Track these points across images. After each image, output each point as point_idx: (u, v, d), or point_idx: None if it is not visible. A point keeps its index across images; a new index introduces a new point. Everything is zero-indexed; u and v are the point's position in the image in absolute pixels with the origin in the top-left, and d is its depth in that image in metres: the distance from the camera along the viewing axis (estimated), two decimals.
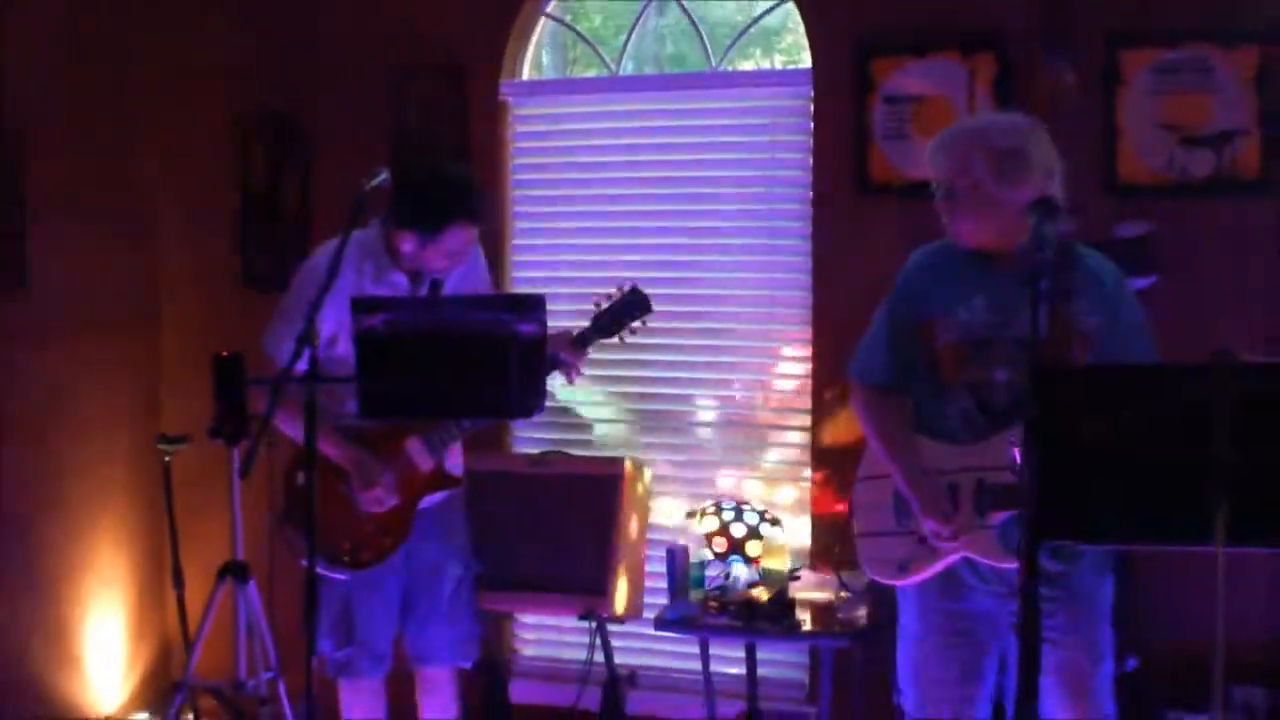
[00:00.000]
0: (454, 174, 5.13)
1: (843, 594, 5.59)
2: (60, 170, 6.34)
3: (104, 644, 6.63)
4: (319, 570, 4.93)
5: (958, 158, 4.27)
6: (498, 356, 4.32)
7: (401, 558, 5.20)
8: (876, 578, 4.51)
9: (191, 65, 6.75)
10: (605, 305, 5.18)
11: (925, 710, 4.38)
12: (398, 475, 5.10)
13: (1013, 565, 4.11)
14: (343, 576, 5.13)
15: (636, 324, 5.18)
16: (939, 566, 4.30)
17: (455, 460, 5.28)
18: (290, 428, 4.82)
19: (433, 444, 5.13)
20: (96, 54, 6.59)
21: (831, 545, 5.80)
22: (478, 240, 5.06)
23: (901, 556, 4.36)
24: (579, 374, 5.21)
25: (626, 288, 5.19)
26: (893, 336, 4.44)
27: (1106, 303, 4.24)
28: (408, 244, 4.95)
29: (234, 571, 5.37)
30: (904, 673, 4.45)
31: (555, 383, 5.29)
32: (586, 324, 5.18)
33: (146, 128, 6.78)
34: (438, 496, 5.22)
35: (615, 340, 5.21)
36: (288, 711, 5.47)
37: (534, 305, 4.36)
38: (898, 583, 4.41)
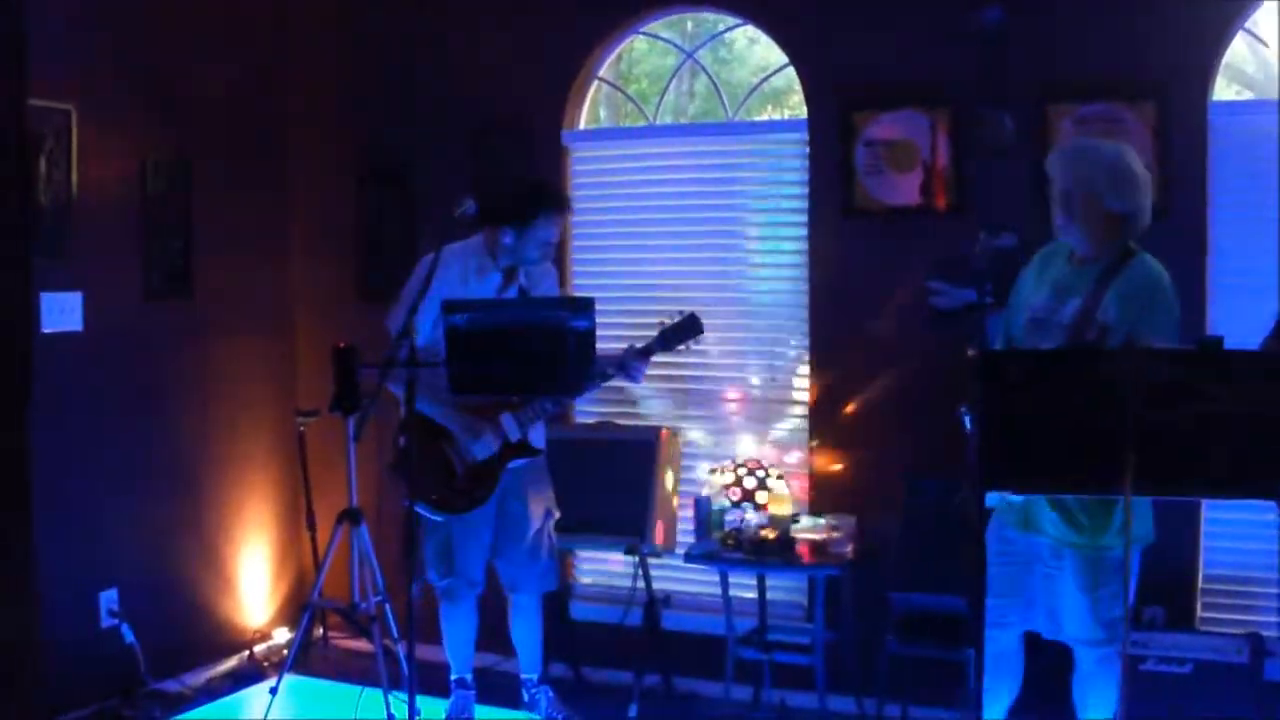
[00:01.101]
0: (538, 179, 5.37)
1: (834, 533, 5.57)
2: (219, 202, 6.37)
3: (254, 573, 6.70)
4: (424, 513, 5.01)
5: (1081, 172, 4.20)
6: (555, 346, 4.36)
7: (493, 507, 5.22)
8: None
9: (323, 127, 6.75)
10: (668, 325, 5.21)
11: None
12: (493, 434, 5.15)
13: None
14: (441, 519, 5.18)
15: (691, 342, 5.22)
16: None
17: (539, 435, 5.29)
18: (406, 394, 4.82)
19: (521, 420, 5.17)
20: (257, 115, 6.64)
21: (826, 494, 5.80)
22: (560, 232, 5.11)
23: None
24: (643, 377, 5.23)
25: (686, 313, 5.21)
26: (1008, 315, 4.43)
27: (1134, 301, 4.15)
28: (507, 237, 5.01)
29: (349, 517, 5.36)
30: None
31: (625, 383, 5.31)
32: (651, 337, 5.22)
33: (290, 176, 6.79)
34: (522, 461, 5.23)
35: (673, 354, 5.27)
36: (393, 626, 5.45)
37: (585, 305, 4.45)
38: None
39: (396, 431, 5.17)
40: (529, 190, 5.16)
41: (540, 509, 5.34)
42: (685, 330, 5.20)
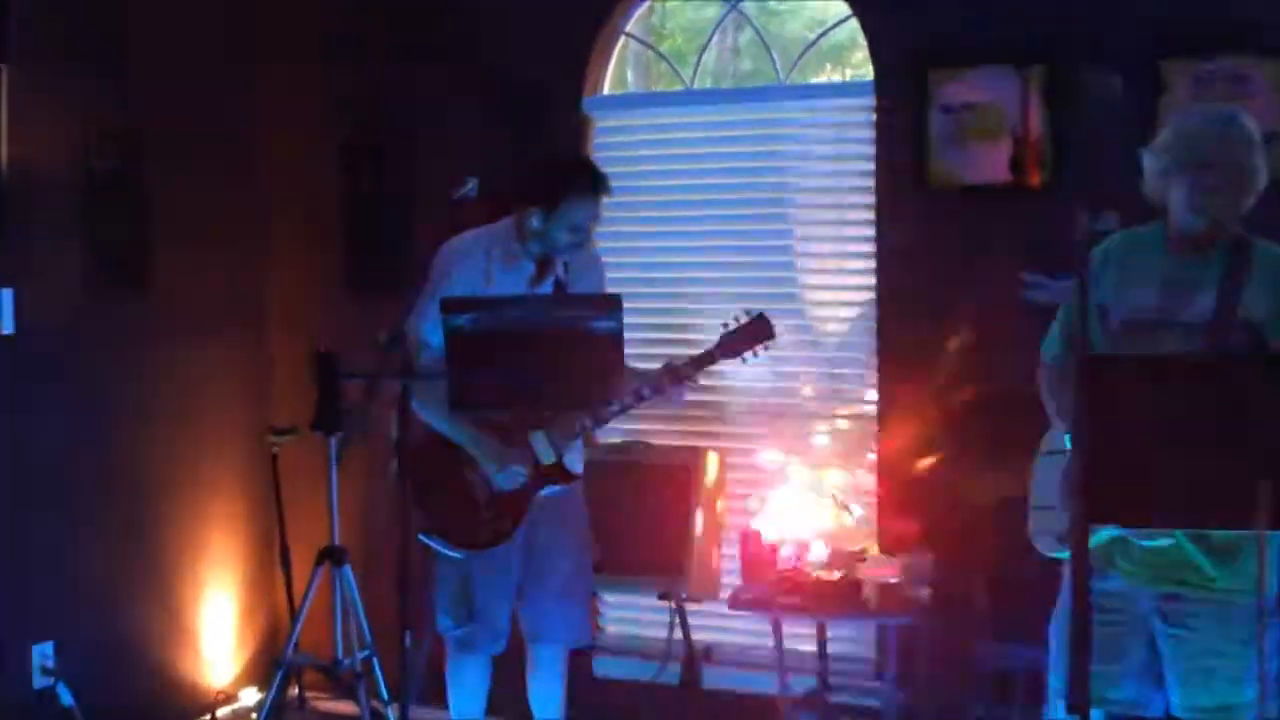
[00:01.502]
0: (572, 154, 5.39)
1: (908, 574, 5.53)
2: (177, 182, 6.35)
3: (217, 622, 6.63)
4: (438, 548, 5.08)
5: (1230, 142, 4.16)
6: (575, 354, 4.35)
7: (520, 541, 5.19)
8: (1041, 549, 4.34)
9: (307, 93, 6.77)
10: (733, 328, 5.13)
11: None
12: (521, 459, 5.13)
13: (1166, 542, 4.03)
14: (459, 555, 5.15)
15: (760, 348, 5.14)
16: (1093, 542, 4.14)
17: (576, 457, 5.25)
18: (425, 413, 4.92)
19: (555, 439, 5.12)
20: (222, 77, 6.61)
21: (897, 527, 5.78)
22: (597, 215, 5.06)
23: (1061, 530, 4.19)
24: (689, 389, 5.17)
25: (754, 314, 5.14)
26: (1068, 319, 4.34)
27: (1278, 293, 4.11)
28: (534, 219, 4.98)
29: (331, 556, 5.35)
30: (1052, 644, 4.33)
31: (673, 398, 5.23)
32: (712, 342, 5.14)
33: (262, 147, 6.79)
34: (555, 488, 5.20)
35: (738, 361, 5.16)
36: (382, 685, 5.43)
37: (611, 304, 4.42)
38: (1057, 555, 4.22)
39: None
40: (559, 166, 5.15)
41: (575, 546, 5.30)
42: (753, 333, 5.11)
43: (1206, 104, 5.01)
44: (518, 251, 5.07)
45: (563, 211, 4.98)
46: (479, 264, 5.05)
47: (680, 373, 5.07)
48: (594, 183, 5.05)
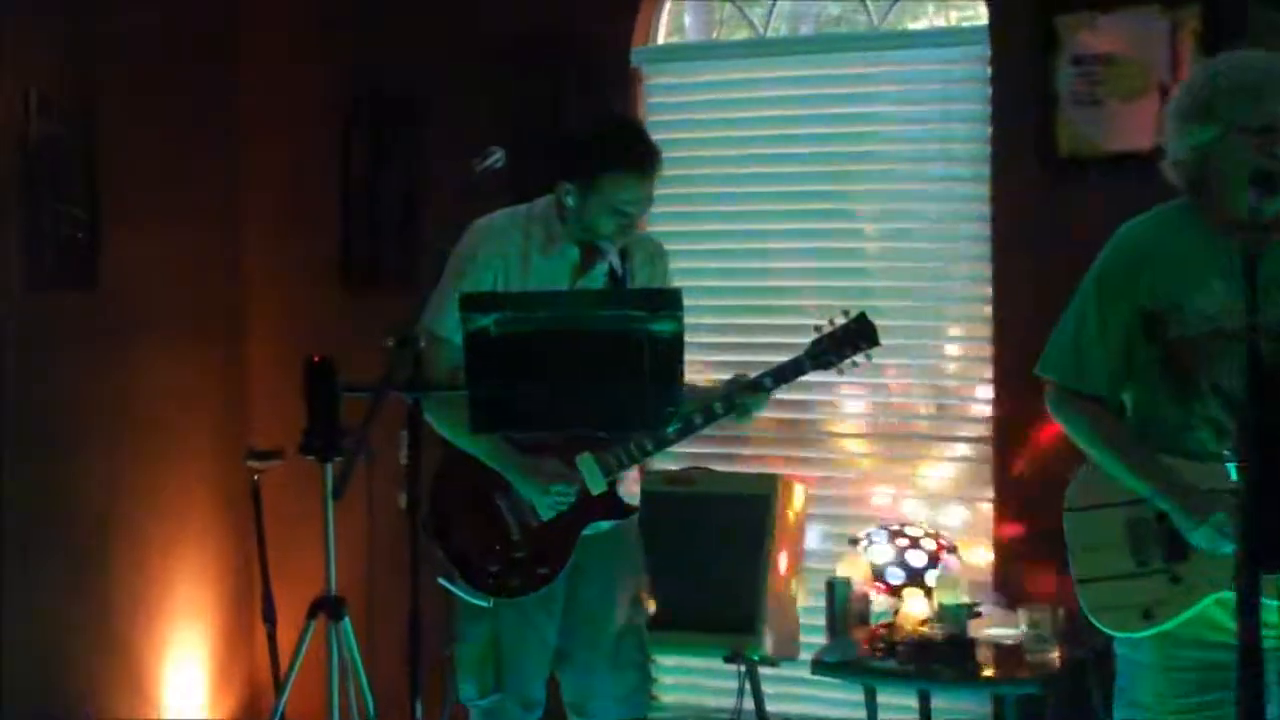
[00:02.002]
0: (615, 118, 5.31)
1: (1031, 633, 5.53)
2: (136, 153, 6.38)
3: (184, 687, 6.66)
4: (459, 594, 5.08)
5: None
6: (628, 359, 4.29)
7: (560, 590, 5.15)
8: (1112, 630, 4.24)
9: (296, 46, 6.82)
10: (827, 332, 5.08)
11: None
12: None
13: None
14: (486, 604, 5.10)
15: (860, 358, 5.09)
16: (1195, 607, 4.11)
17: (631, 486, 5.21)
18: (443, 426, 4.89)
19: (608, 464, 5.06)
20: (179, 25, 6.61)
21: (1017, 575, 5.82)
22: (647, 196, 4.98)
23: (1146, 601, 4.13)
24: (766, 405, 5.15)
25: (853, 314, 5.08)
26: (1105, 331, 4.27)
27: None
28: (570, 197, 4.95)
29: (327, 607, 5.33)
30: None
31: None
32: (799, 349, 5.08)
33: (240, 110, 6.83)
34: (606, 524, 5.16)
35: (833, 373, 5.13)
36: None
37: (669, 300, 4.34)
38: (1141, 634, 4.20)
39: (437, 470, 5.11)
40: (596, 131, 5.08)
41: (628, 597, 5.25)
42: (852, 338, 5.06)
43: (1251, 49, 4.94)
44: (560, 234, 5.01)
45: (601, 189, 4.91)
46: (514, 246, 5.01)
47: (760, 385, 5.02)
48: (639, 154, 4.95)
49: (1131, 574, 4.12)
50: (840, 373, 5.09)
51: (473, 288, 4.75)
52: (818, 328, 5.04)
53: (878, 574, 5.79)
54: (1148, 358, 4.15)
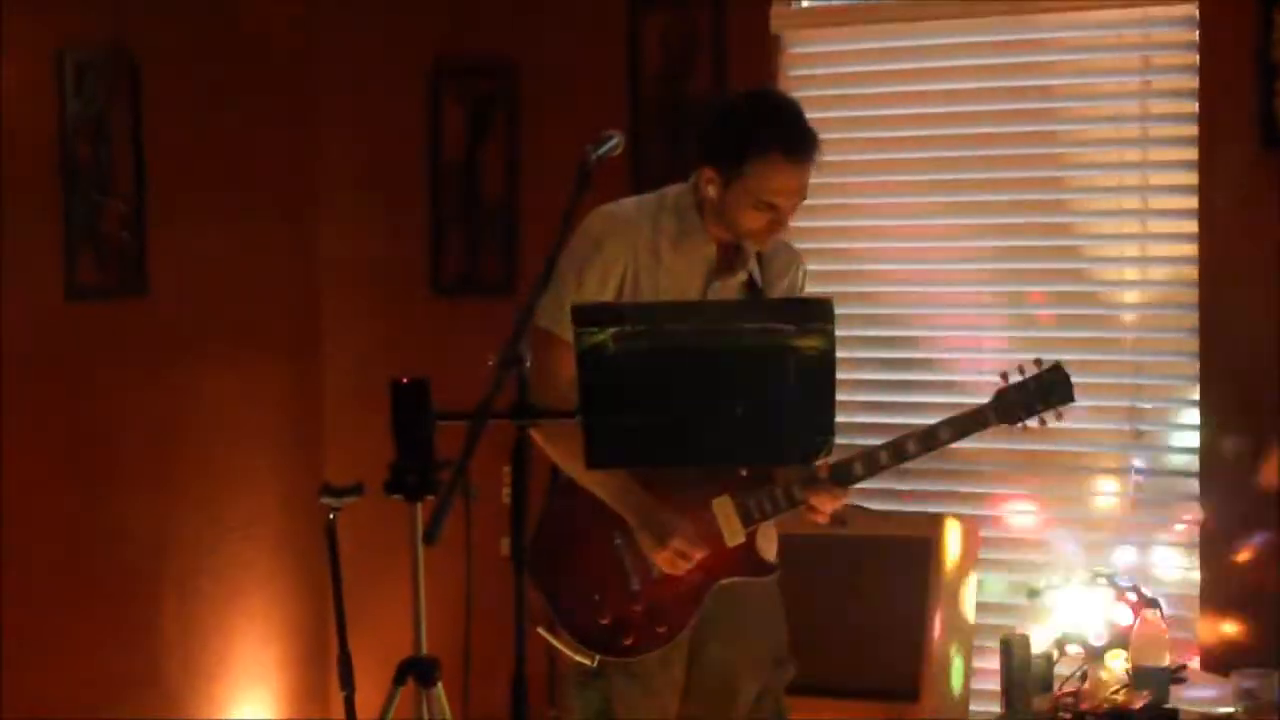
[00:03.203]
0: (771, 97, 5.23)
1: (1247, 701, 5.53)
2: (192, 130, 6.42)
3: None
4: (563, 648, 5.09)
5: None
6: (771, 380, 4.27)
7: (683, 653, 5.15)
8: None
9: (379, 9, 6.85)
10: (1016, 382, 5.07)
11: None
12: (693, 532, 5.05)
13: None
14: (589, 662, 5.10)
15: (1051, 415, 5.08)
16: None
17: (770, 538, 5.21)
18: (558, 455, 4.94)
19: (749, 511, 5.04)
20: None
21: (1228, 633, 5.85)
22: (801, 188, 4.94)
23: None
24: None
25: (1047, 365, 5.08)
26: None
27: None
28: (711, 186, 4.95)
29: (417, 670, 5.30)
30: None
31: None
32: (983, 400, 5.08)
33: (310, 80, 6.87)
34: (740, 578, 5.16)
35: (1017, 428, 5.12)
36: None
37: (819, 311, 4.28)
38: None
39: (546, 502, 5.13)
40: (744, 110, 5.05)
41: (764, 661, 5.24)
42: (1045, 390, 5.05)
43: None
44: (696, 227, 5.01)
45: (748, 177, 4.92)
46: (643, 237, 5.01)
47: (932, 438, 5.04)
48: (795, 137, 4.93)
49: None
50: (1023, 429, 5.08)
51: (599, 283, 4.81)
52: (1004, 374, 5.04)
53: (1063, 631, 5.77)
54: None
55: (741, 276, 5.02)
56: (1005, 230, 6.24)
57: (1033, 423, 5.03)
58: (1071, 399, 5.03)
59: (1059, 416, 5.04)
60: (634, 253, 4.96)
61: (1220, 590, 5.82)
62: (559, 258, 4.83)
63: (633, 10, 6.41)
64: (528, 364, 4.40)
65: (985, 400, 5.05)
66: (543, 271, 4.51)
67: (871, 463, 4.97)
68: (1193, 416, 5.95)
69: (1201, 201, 5.85)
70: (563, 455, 4.88)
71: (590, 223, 4.94)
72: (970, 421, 5.04)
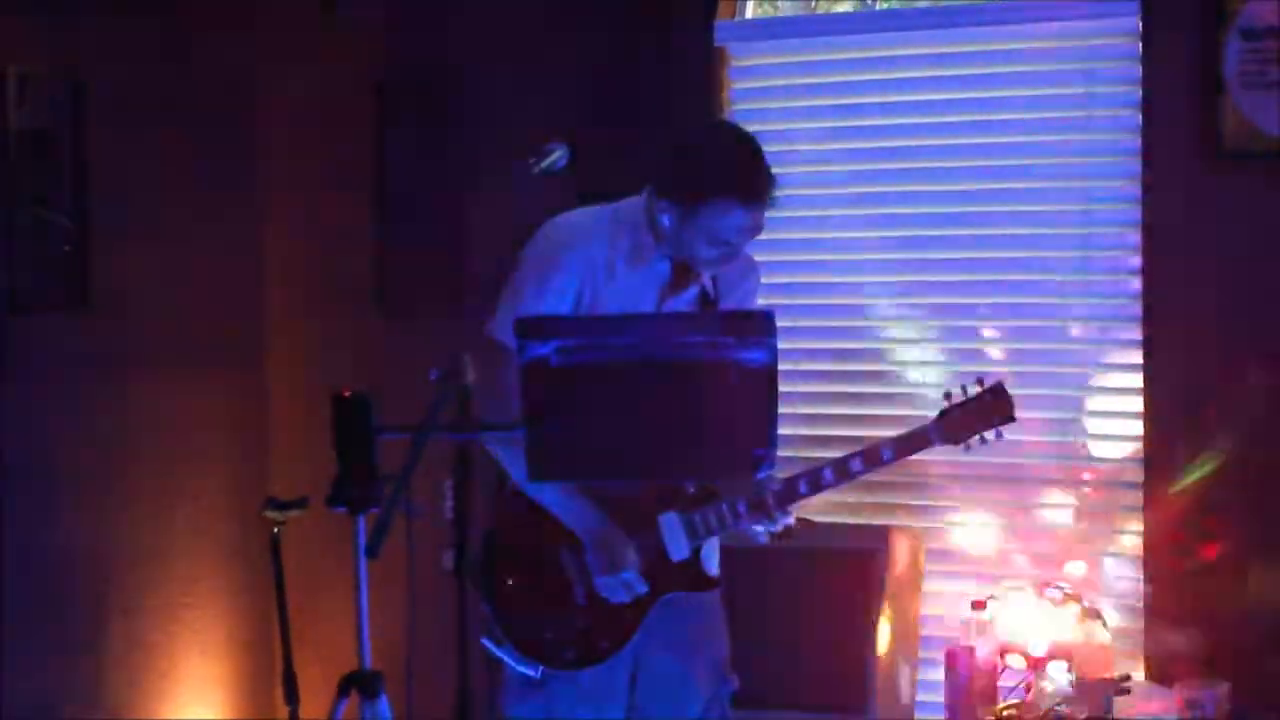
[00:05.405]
0: (729, 136, 5.16)
1: (1190, 713, 5.54)
2: (136, 146, 6.42)
3: None
4: (505, 659, 5.14)
5: None
6: (712, 394, 4.28)
7: (627, 662, 5.18)
8: None
9: (321, 27, 6.88)
10: (958, 402, 5.12)
11: None
12: (641, 558, 5.07)
13: None
14: (533, 673, 5.13)
15: (991, 434, 5.12)
16: None
17: (714, 555, 5.23)
18: (504, 460, 4.96)
19: (694, 526, 5.08)
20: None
21: (1171, 643, 5.82)
22: (755, 225, 4.94)
23: None
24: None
25: (989, 384, 5.12)
26: None
27: None
28: (665, 217, 4.95)
29: (360, 683, 5.32)
30: None
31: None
32: (924, 419, 5.13)
33: (255, 95, 6.88)
34: (684, 593, 5.19)
35: (960, 448, 5.15)
36: None
37: (760, 325, 4.28)
38: None
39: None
40: (701, 148, 5.05)
41: (708, 673, 5.26)
42: (988, 412, 5.10)
43: None
44: (649, 245, 5.02)
45: (701, 216, 4.92)
46: (599, 252, 5.01)
47: (875, 457, 5.06)
48: (751, 181, 4.93)
49: None
50: (967, 449, 5.11)
51: (556, 295, 4.82)
52: (948, 394, 5.09)
53: (1007, 643, 5.79)
54: None
55: (694, 289, 5.05)
56: (949, 242, 6.24)
57: (974, 441, 5.08)
58: (1013, 418, 5.07)
59: (999, 436, 5.08)
60: (591, 268, 4.97)
61: (1166, 601, 5.82)
62: (513, 271, 4.91)
63: (576, 24, 6.40)
64: (469, 378, 4.45)
65: (930, 416, 5.09)
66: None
67: (816, 482, 5.00)
68: (1137, 428, 5.93)
69: (1145, 213, 5.84)
70: (517, 468, 4.86)
71: (544, 232, 4.97)
72: (914, 441, 5.09)
